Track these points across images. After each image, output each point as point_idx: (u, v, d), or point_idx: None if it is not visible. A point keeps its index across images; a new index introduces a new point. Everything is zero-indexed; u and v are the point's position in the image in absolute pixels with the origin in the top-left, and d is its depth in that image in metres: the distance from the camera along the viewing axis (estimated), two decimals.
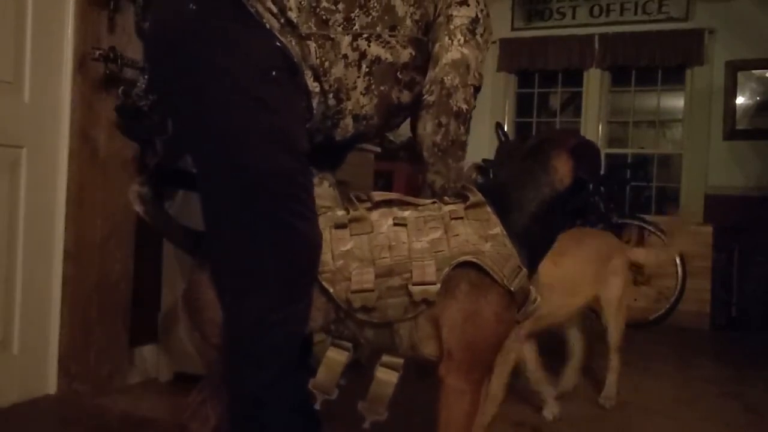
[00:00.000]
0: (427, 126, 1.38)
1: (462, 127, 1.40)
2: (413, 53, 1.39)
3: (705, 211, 4.89)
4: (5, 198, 2.09)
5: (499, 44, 5.46)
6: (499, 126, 4.94)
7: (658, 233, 4.18)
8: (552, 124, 5.79)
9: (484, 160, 4.96)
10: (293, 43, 1.27)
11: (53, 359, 2.25)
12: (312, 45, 1.29)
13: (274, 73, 1.22)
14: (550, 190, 1.32)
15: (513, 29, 5.49)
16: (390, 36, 1.35)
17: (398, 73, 1.39)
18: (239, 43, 1.22)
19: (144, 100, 2.22)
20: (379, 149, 4.22)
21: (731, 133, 4.90)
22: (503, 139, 4.82)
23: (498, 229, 1.26)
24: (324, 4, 1.29)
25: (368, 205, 1.33)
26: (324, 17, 1.29)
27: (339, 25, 1.30)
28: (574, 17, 5.32)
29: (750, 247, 4.47)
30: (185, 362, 2.34)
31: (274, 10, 1.26)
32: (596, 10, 5.25)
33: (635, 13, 5.15)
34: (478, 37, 1.40)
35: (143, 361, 2.48)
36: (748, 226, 4.48)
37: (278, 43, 1.25)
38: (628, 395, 2.53)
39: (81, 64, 2.21)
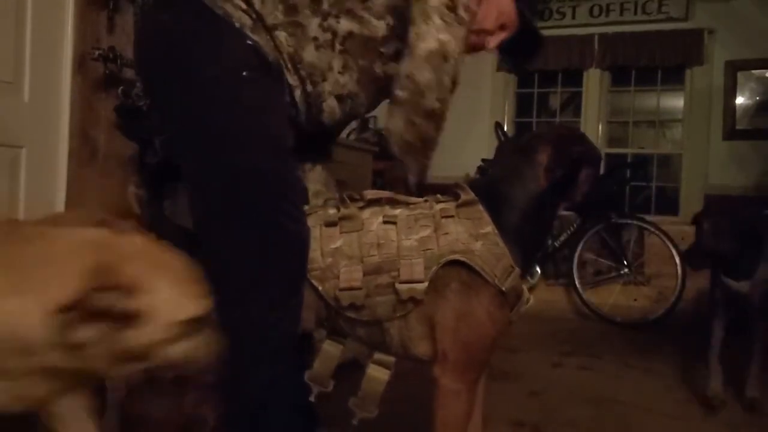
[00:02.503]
0: (397, 123, 1.29)
1: (434, 126, 1.30)
2: (391, 23, 1.32)
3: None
4: (5, 197, 2.09)
5: None
6: (498, 126, 4.94)
7: (658, 233, 4.18)
8: (552, 124, 5.79)
9: (483, 160, 4.97)
10: (268, 38, 1.25)
11: None
12: (282, 35, 1.26)
13: (245, 73, 1.23)
14: (536, 186, 1.32)
15: None
16: (363, 9, 1.30)
17: (379, 47, 1.33)
18: (215, 48, 1.23)
19: (143, 100, 2.23)
20: (377, 149, 4.22)
21: (731, 133, 4.90)
22: (503, 138, 4.82)
23: (490, 227, 1.26)
24: None
25: (361, 203, 1.33)
26: (291, 2, 1.26)
27: (306, 8, 1.27)
28: (573, 17, 5.32)
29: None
30: None
31: (243, 6, 1.25)
32: (596, 10, 5.25)
33: (635, 13, 5.15)
34: (460, 11, 1.25)
35: None
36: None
37: (249, 42, 1.24)
38: (628, 395, 2.54)
39: (80, 64, 2.22)
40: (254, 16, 1.25)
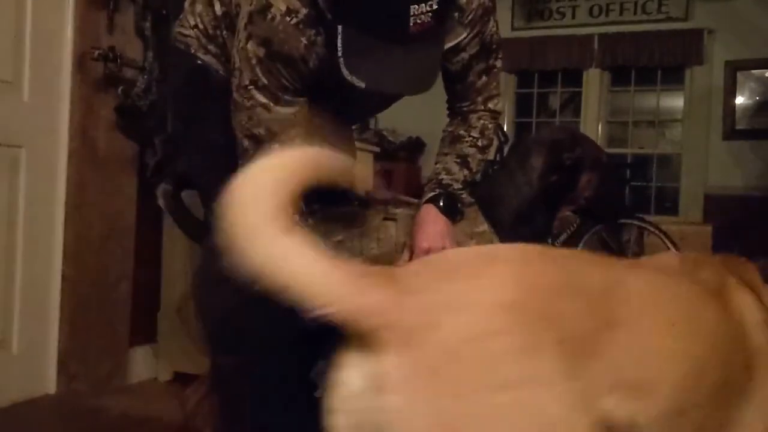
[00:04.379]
0: None
1: None
2: None
3: (705, 211, 4.89)
4: (4, 197, 2.09)
5: None
6: (498, 126, 4.93)
7: (658, 233, 4.18)
8: (552, 125, 5.78)
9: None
10: (216, 50, 1.44)
11: (53, 359, 2.25)
12: (219, 42, 1.45)
13: (185, 90, 1.50)
14: (529, 190, 1.35)
15: (513, 29, 5.49)
16: None
17: None
18: (173, 76, 1.60)
19: (143, 100, 2.24)
20: (378, 149, 4.22)
21: (731, 133, 4.89)
22: (502, 139, 4.82)
23: (484, 227, 1.31)
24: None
25: (366, 202, 1.41)
26: (218, 13, 1.44)
27: (221, 21, 1.45)
28: (573, 17, 5.32)
29: (750, 247, 4.46)
30: (185, 362, 2.34)
31: (195, 33, 1.45)
32: (596, 10, 5.25)
33: (635, 13, 5.14)
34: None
35: (142, 361, 2.47)
36: (748, 226, 4.48)
37: (199, 62, 1.44)
38: None
39: (80, 63, 2.21)
40: (204, 39, 1.45)
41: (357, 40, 1.14)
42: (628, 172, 4.75)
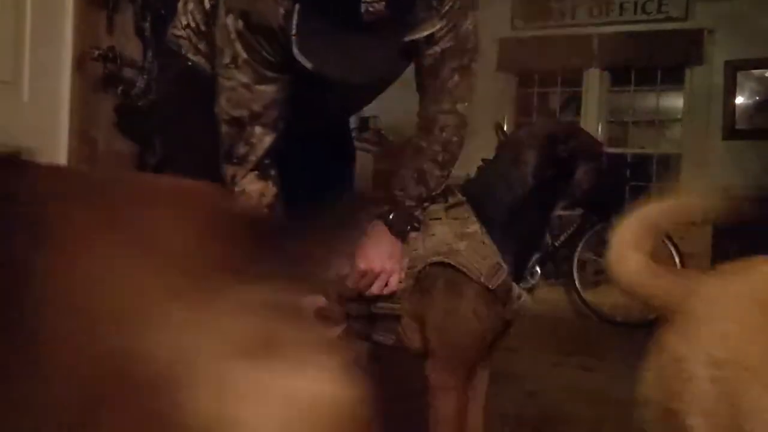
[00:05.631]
0: None
1: None
2: None
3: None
4: None
5: (498, 44, 5.45)
6: (498, 126, 4.93)
7: None
8: (546, 120, 5.78)
9: (483, 161, 4.96)
10: (206, 50, 1.42)
11: None
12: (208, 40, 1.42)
13: (172, 88, 1.51)
14: (522, 186, 1.33)
15: (513, 29, 5.49)
16: None
17: None
18: (160, 76, 1.70)
19: (143, 100, 2.24)
20: (378, 149, 4.22)
21: (731, 133, 4.89)
22: (503, 138, 4.82)
23: (476, 227, 1.30)
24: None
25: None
26: (207, 9, 1.42)
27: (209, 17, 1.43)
28: (573, 17, 5.32)
29: (750, 247, 4.45)
30: None
31: (186, 33, 1.44)
32: (595, 9, 5.25)
33: (634, 13, 5.14)
34: None
35: None
36: (748, 226, 4.47)
37: (189, 62, 1.43)
38: (628, 395, 2.53)
39: (80, 63, 2.22)
40: (195, 39, 1.43)
41: (312, 20, 1.14)
42: (628, 172, 4.75)
